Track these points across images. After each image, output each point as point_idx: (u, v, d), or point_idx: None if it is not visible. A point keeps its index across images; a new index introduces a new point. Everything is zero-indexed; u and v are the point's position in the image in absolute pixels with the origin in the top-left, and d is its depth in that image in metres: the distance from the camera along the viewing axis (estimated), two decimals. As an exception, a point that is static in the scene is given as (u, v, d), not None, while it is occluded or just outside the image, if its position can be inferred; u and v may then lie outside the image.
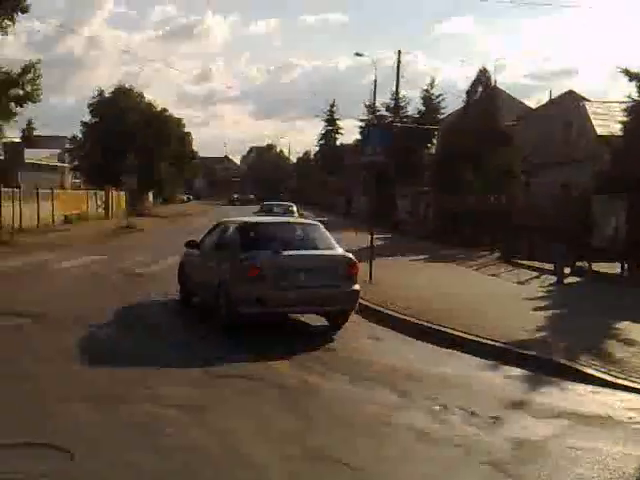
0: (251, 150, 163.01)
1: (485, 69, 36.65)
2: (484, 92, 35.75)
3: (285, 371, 9.04)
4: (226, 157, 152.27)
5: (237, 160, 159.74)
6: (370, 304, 13.74)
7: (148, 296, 15.06)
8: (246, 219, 14.13)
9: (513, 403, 7.97)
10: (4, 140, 32.59)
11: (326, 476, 5.90)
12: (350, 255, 12.25)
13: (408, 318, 12.33)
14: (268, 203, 41.25)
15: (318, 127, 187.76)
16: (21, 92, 30.42)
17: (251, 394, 8.01)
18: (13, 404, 7.40)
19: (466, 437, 6.79)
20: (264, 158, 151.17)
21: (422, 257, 24.21)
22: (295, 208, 38.22)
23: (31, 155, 52.68)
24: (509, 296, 15.59)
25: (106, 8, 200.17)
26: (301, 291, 11.26)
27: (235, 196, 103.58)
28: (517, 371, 9.37)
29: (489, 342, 10.53)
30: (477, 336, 10.84)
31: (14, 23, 27.70)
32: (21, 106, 31.07)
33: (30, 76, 30.40)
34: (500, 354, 10.07)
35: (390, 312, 12.94)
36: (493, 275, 19.40)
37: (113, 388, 8.08)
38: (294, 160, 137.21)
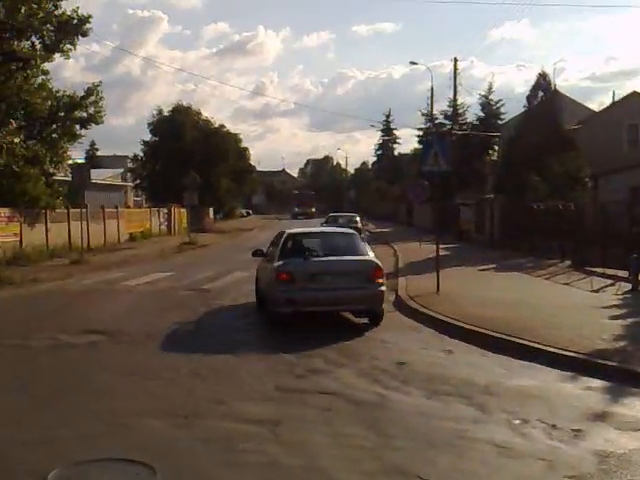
0: (308, 163, 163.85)
1: (545, 73, 36.27)
2: (545, 96, 35.29)
3: (359, 385, 8.97)
4: (283, 170, 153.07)
5: (294, 173, 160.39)
6: (439, 315, 13.60)
7: (217, 312, 15.16)
8: (290, 230, 15.49)
9: (595, 415, 7.76)
10: (70, 162, 33.04)
11: (408, 492, 5.80)
12: (375, 260, 13.72)
13: (480, 329, 12.11)
14: (333, 215, 44.00)
15: (374, 137, 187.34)
16: (85, 114, 31.01)
17: (326, 409, 7.94)
18: (94, 419, 7.54)
19: (549, 451, 6.63)
20: (321, 170, 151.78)
21: (490, 266, 23.85)
22: (358, 218, 41.17)
23: (96, 175, 53.62)
24: (583, 305, 15.16)
25: (161, 29, 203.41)
26: (328, 292, 12.83)
27: (296, 209, 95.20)
28: (597, 382, 9.12)
29: (567, 353, 10.27)
30: (554, 347, 10.58)
31: (75, 47, 28.25)
32: (85, 128, 31.72)
33: (93, 98, 31.05)
34: (579, 365, 9.82)
35: (461, 324, 12.73)
36: (565, 284, 18.96)
37: (189, 403, 8.14)
38: (352, 171, 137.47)
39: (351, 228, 20.44)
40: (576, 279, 19.81)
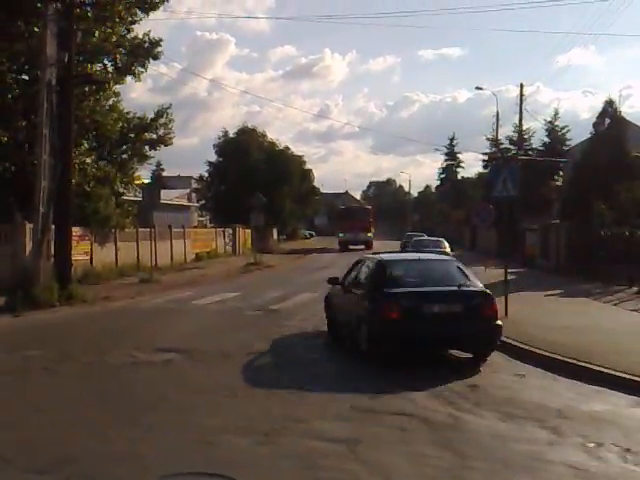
0: (370, 185, 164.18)
1: (611, 100, 36.01)
2: (611, 123, 35.02)
3: (432, 407, 9.09)
4: (346, 192, 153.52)
5: (357, 195, 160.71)
6: (509, 340, 13.58)
7: (286, 332, 15.39)
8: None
9: (669, 440, 7.77)
10: (138, 182, 33.78)
11: (488, 512, 5.93)
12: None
13: (551, 354, 12.13)
14: (418, 239, 39.76)
15: (437, 161, 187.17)
16: (154, 136, 31.60)
17: (401, 429, 8.09)
18: (176, 435, 7.81)
19: (624, 474, 6.75)
20: (384, 192, 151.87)
21: (556, 292, 23.67)
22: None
23: (163, 195, 54.86)
24: (653, 331, 15.10)
25: (228, 51, 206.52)
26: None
27: (343, 235, 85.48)
28: (670, 408, 9.12)
29: (636, 378, 10.28)
30: (625, 372, 10.58)
31: (146, 70, 28.90)
32: (155, 149, 32.30)
33: (163, 120, 31.61)
34: (651, 391, 9.82)
35: (531, 348, 12.75)
36: (633, 310, 18.75)
37: (267, 421, 8.35)
38: (414, 194, 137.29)
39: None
40: (645, 306, 19.61)
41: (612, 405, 9.39)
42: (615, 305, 20.29)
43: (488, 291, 12.45)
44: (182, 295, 22.90)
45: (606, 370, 10.84)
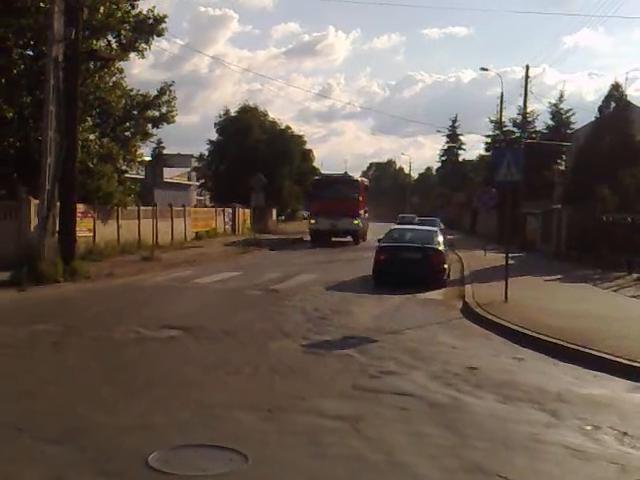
0: (371, 166, 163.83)
1: (618, 84, 35.92)
2: (617, 107, 34.96)
3: (433, 388, 9.26)
4: (345, 173, 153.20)
5: (357, 176, 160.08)
6: (509, 324, 13.82)
7: (288, 312, 15.57)
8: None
9: (667, 424, 7.95)
10: (140, 160, 33.73)
11: (488, 489, 6.10)
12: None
13: (550, 339, 12.30)
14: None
15: (439, 142, 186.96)
16: (157, 113, 31.58)
17: (402, 409, 8.25)
18: (183, 408, 7.97)
19: (620, 455, 6.90)
20: (384, 174, 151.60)
21: (556, 277, 23.86)
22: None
23: (165, 174, 54.92)
24: (652, 317, 15.29)
25: (231, 28, 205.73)
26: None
27: (317, 221, 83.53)
28: (668, 393, 9.30)
29: (636, 364, 10.46)
30: (624, 357, 10.77)
31: (150, 47, 28.84)
32: (157, 127, 32.24)
33: (165, 98, 31.54)
34: (649, 376, 9.98)
35: (531, 332, 12.93)
36: (633, 296, 18.94)
37: (271, 398, 8.53)
38: (415, 176, 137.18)
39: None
40: (644, 292, 19.80)
41: (610, 389, 9.57)
42: (615, 291, 20.48)
43: (439, 248, 21.73)
44: (183, 274, 23.07)
45: (605, 355, 11.02)
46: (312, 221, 43.43)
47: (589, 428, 7.71)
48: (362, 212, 43.92)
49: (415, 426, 7.61)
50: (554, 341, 12.16)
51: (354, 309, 16.21)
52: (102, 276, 21.01)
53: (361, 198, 43.53)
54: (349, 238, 43.40)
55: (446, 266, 21.84)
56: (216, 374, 9.76)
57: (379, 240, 23.51)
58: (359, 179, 46.70)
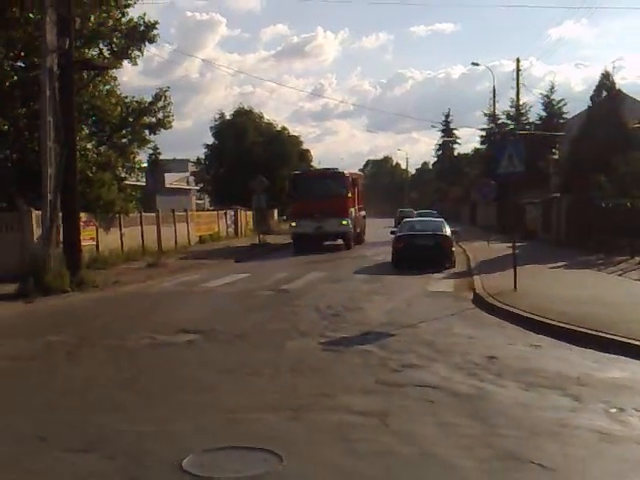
0: (367, 163, 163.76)
1: (608, 73, 36.00)
2: (608, 96, 35.05)
3: (455, 379, 9.28)
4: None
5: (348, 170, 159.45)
6: (521, 312, 13.85)
7: (300, 311, 15.56)
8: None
9: (688, 404, 7.98)
10: (140, 166, 33.69)
11: (523, 475, 6.11)
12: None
13: (564, 325, 12.34)
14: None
15: (433, 137, 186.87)
16: (154, 120, 31.48)
17: (428, 401, 8.26)
18: (206, 413, 7.96)
19: (649, 437, 6.91)
20: (381, 171, 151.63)
21: (560, 264, 23.90)
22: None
23: (165, 179, 54.95)
24: (661, 300, 15.34)
25: (219, 32, 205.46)
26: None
27: (298, 224, 76.65)
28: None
29: (652, 346, 10.51)
30: (638, 340, 10.80)
31: (143, 53, 28.76)
32: (154, 133, 32.14)
33: (161, 104, 31.46)
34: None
35: (544, 319, 12.95)
36: (638, 280, 19.00)
37: (294, 398, 8.52)
38: (412, 171, 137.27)
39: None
40: (649, 275, 19.86)
41: (630, 372, 9.61)
42: (620, 275, 20.51)
43: (447, 234, 25.68)
44: (190, 278, 23.05)
45: (620, 338, 11.05)
46: (293, 224, 36.85)
47: (614, 411, 7.74)
48: (353, 210, 37.23)
49: (443, 417, 7.62)
50: (568, 327, 12.19)
51: (365, 305, 16.23)
52: (109, 284, 20.98)
53: (351, 194, 36.75)
54: (340, 241, 36.81)
55: (453, 249, 25.83)
56: (236, 377, 9.74)
57: (392, 232, 27.68)
58: (347, 172, 38.22)
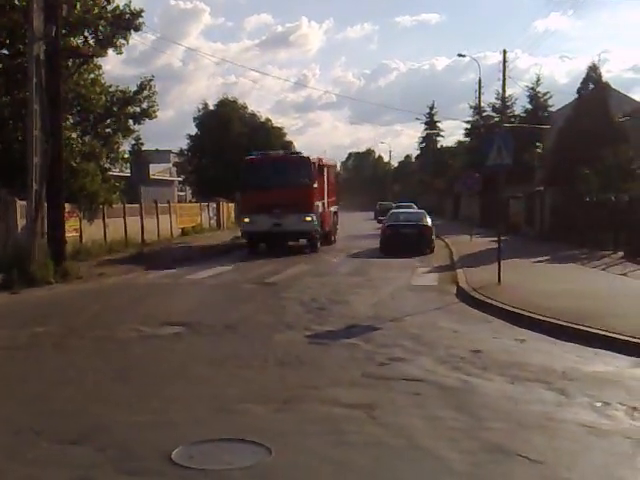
0: (350, 156, 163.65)
1: (595, 66, 36.03)
2: (595, 89, 35.13)
3: (441, 372, 9.36)
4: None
5: (337, 167, 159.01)
6: (506, 306, 13.95)
7: (286, 304, 15.61)
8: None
9: (672, 398, 8.10)
10: (124, 157, 33.53)
11: (510, 468, 6.18)
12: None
13: (548, 319, 12.44)
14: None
15: (416, 130, 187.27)
16: (138, 109, 31.34)
17: (414, 394, 8.33)
18: (197, 405, 8.02)
19: (634, 430, 7.04)
20: (363, 163, 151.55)
21: (543, 258, 24.04)
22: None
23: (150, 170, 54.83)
24: (643, 294, 15.51)
25: (202, 21, 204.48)
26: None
27: (249, 221, 73.82)
28: (669, 367, 9.47)
29: (636, 340, 10.62)
30: (623, 334, 10.92)
31: (128, 42, 28.59)
32: (139, 123, 31.99)
33: (146, 93, 31.31)
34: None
35: (528, 313, 13.06)
36: (622, 274, 19.17)
37: (283, 390, 8.60)
38: (395, 164, 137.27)
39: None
40: (631, 269, 20.08)
41: (614, 366, 9.70)
42: (603, 270, 20.70)
43: (428, 224, 29.53)
44: (175, 270, 23.00)
45: (604, 332, 11.17)
46: (245, 220, 30.52)
47: (599, 405, 7.84)
48: (321, 204, 31.08)
49: (430, 410, 7.70)
50: (553, 321, 12.30)
51: (351, 298, 16.31)
52: (94, 276, 20.96)
53: (317, 184, 30.30)
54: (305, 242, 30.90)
55: (433, 237, 29.69)
56: (225, 368, 9.79)
57: (379, 221, 34.99)
58: (313, 158, 31.30)
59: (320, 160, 32.46)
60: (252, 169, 30.15)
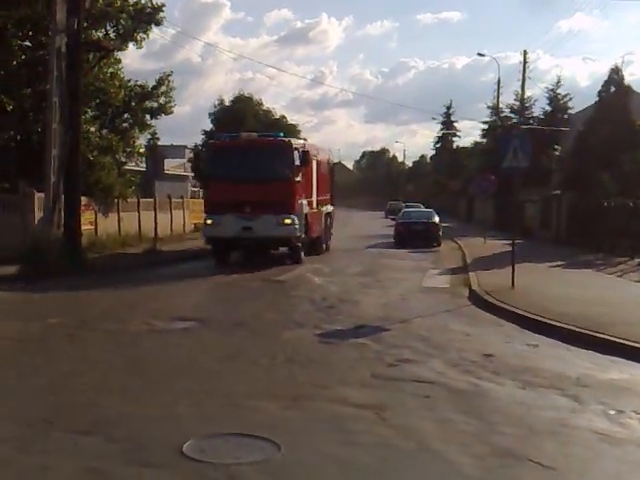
0: (364, 155, 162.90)
1: (618, 68, 35.75)
2: (617, 92, 34.80)
3: (452, 375, 9.30)
4: (339, 163, 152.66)
5: (350, 165, 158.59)
6: (519, 310, 13.84)
7: (296, 301, 15.65)
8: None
9: (687, 407, 8.02)
10: (140, 151, 33.57)
11: (521, 473, 6.14)
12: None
13: (561, 325, 12.33)
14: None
15: (432, 130, 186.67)
16: (155, 104, 31.35)
17: (424, 396, 8.29)
18: (206, 400, 8.01)
19: (648, 439, 6.97)
20: (378, 162, 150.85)
21: (559, 263, 23.87)
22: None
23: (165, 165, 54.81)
24: (660, 302, 15.38)
25: (223, 15, 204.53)
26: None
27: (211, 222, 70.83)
28: (684, 376, 9.38)
29: (651, 348, 10.54)
30: (637, 342, 10.81)
31: (148, 36, 28.64)
32: (155, 118, 32.00)
33: (163, 88, 31.33)
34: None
35: (542, 318, 12.95)
36: (638, 282, 18.96)
37: (292, 387, 8.59)
38: (409, 164, 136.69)
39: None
40: (650, 277, 19.89)
41: (629, 374, 9.60)
42: (619, 277, 20.52)
43: (436, 222, 34.12)
44: (187, 265, 22.99)
45: (619, 340, 11.03)
46: (208, 221, 23.77)
47: (613, 412, 7.75)
48: (306, 203, 24.55)
49: (440, 413, 7.65)
50: (566, 327, 12.18)
51: (360, 297, 16.31)
52: (108, 269, 20.97)
53: (301, 177, 23.88)
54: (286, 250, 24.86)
55: (440, 233, 34.03)
56: (235, 364, 9.79)
57: (393, 219, 41.79)
58: (297, 143, 25.30)
59: (307, 147, 25.41)
60: (217, 156, 24.06)
